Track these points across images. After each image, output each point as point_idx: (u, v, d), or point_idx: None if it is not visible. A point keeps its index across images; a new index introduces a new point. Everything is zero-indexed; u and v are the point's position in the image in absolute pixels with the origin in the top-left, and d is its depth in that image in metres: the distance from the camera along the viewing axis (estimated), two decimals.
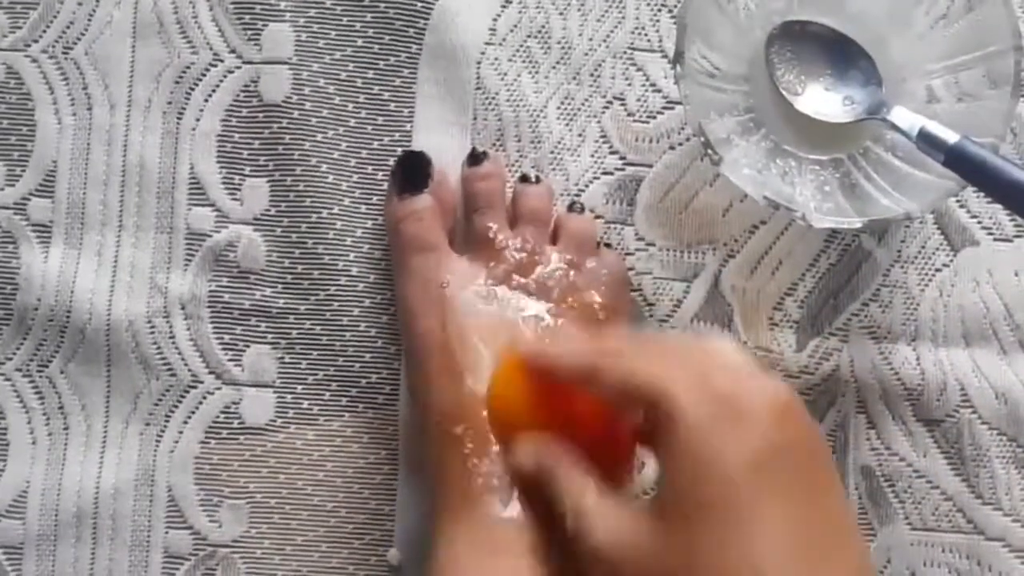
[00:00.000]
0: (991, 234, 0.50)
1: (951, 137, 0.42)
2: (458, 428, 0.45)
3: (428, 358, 0.47)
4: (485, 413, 0.41)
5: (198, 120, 0.52)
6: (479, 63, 0.51)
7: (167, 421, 0.51)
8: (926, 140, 0.43)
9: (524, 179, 0.50)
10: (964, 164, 0.42)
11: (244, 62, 0.52)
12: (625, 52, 0.51)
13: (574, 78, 0.51)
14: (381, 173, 0.51)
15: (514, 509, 0.43)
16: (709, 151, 0.45)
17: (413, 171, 0.49)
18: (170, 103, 0.52)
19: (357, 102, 0.52)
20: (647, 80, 0.51)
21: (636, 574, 0.33)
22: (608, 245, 0.50)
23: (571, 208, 0.50)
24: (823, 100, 0.47)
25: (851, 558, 0.33)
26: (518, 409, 0.37)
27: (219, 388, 0.51)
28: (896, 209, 0.44)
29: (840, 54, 0.48)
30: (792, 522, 0.32)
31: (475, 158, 0.50)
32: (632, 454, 0.38)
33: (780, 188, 0.46)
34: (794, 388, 0.45)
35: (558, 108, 0.51)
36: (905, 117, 0.44)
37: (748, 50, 0.48)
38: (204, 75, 0.52)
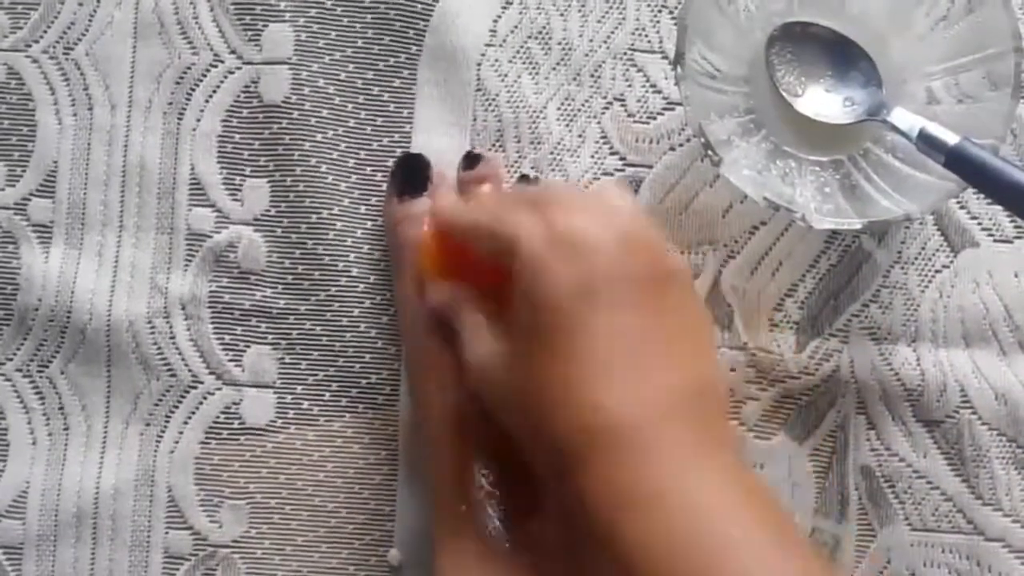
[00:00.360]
0: (991, 235, 0.50)
1: (951, 138, 0.42)
2: (456, 434, 0.45)
3: (426, 362, 0.47)
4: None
5: (198, 120, 0.52)
6: (479, 64, 0.51)
7: (167, 421, 0.51)
8: (926, 141, 0.43)
9: (523, 180, 0.50)
10: (964, 165, 0.42)
11: (244, 63, 0.52)
12: (625, 53, 0.51)
13: (574, 79, 0.52)
14: (381, 174, 0.51)
15: (510, 517, 0.44)
16: (709, 152, 0.45)
17: (412, 173, 0.50)
18: (171, 103, 0.52)
19: (357, 103, 0.52)
20: (647, 81, 0.51)
21: (494, 386, 0.40)
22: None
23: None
24: (823, 101, 0.47)
25: (688, 364, 0.38)
26: (437, 265, 0.46)
27: (219, 388, 0.51)
28: (896, 210, 0.44)
29: (840, 55, 0.48)
30: (620, 336, 0.36)
31: (470, 160, 0.50)
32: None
33: (780, 189, 0.46)
34: (792, 386, 0.46)
35: (558, 109, 0.51)
36: (905, 118, 0.45)
37: (748, 51, 0.48)
38: (204, 76, 0.52)
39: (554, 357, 0.37)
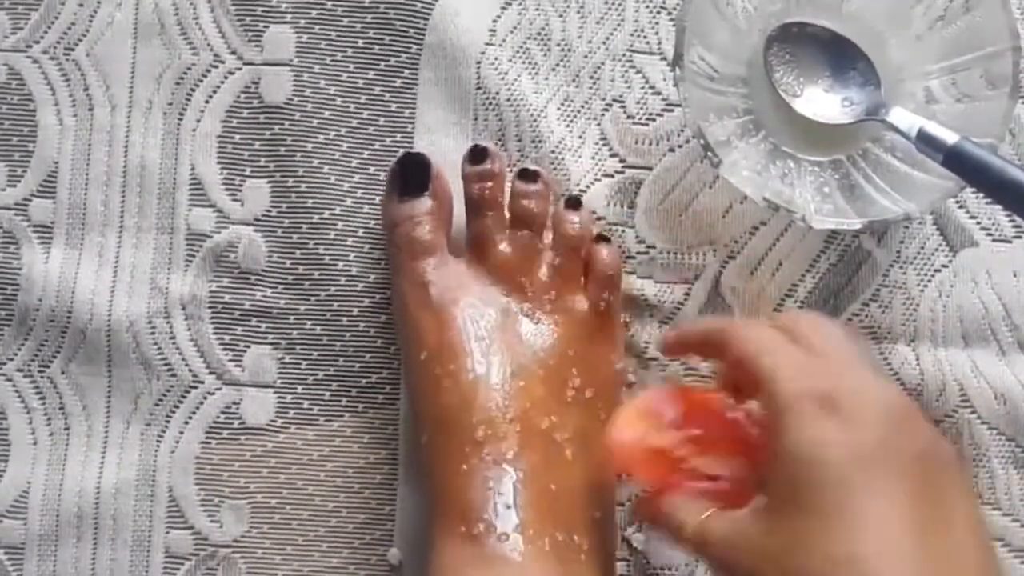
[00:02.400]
0: (990, 235, 0.50)
1: (950, 137, 0.43)
2: (452, 436, 0.45)
3: (425, 364, 0.47)
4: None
5: (199, 121, 0.53)
6: (479, 64, 0.52)
7: (168, 421, 0.52)
8: (925, 141, 0.44)
9: (524, 175, 0.49)
10: (963, 164, 0.42)
11: (245, 63, 0.53)
12: (624, 54, 0.52)
13: (574, 80, 0.52)
14: (382, 174, 0.52)
15: (507, 522, 0.43)
16: (709, 153, 0.45)
17: (413, 174, 0.49)
18: (171, 104, 0.53)
19: (358, 103, 0.52)
20: (646, 82, 0.52)
21: (748, 564, 0.36)
22: (606, 239, 0.50)
23: (568, 203, 0.50)
24: (822, 101, 0.48)
25: (964, 561, 0.35)
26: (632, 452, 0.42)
27: (220, 388, 0.52)
28: (895, 209, 0.44)
29: (839, 55, 0.48)
30: (900, 522, 0.34)
31: (476, 155, 0.49)
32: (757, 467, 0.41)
33: (780, 189, 0.47)
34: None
35: (558, 110, 0.52)
36: (904, 118, 0.45)
37: (747, 52, 0.49)
38: (205, 76, 0.53)
39: (824, 530, 0.34)
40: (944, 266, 0.50)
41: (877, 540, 0.33)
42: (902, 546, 0.33)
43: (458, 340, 0.47)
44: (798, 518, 0.35)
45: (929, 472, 0.35)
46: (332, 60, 0.52)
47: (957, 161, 0.42)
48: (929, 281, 0.50)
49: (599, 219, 0.51)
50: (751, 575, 0.36)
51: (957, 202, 0.50)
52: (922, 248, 0.50)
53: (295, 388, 0.52)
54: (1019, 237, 0.50)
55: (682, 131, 0.51)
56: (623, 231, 0.51)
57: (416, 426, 0.48)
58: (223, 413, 0.52)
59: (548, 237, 0.49)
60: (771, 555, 0.35)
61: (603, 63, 0.52)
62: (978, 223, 0.50)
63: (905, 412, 0.36)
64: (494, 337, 0.47)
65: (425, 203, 0.49)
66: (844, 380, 0.36)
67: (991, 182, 0.42)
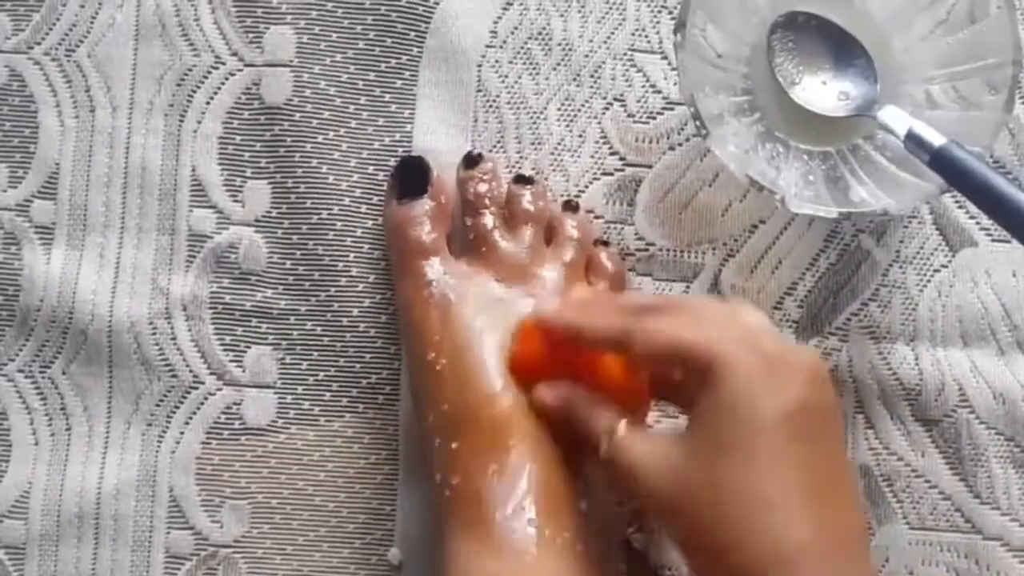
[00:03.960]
0: (989, 235, 0.52)
1: (938, 140, 0.44)
2: (458, 438, 0.46)
3: (429, 365, 0.48)
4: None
5: (199, 122, 0.54)
6: (480, 65, 0.54)
7: (169, 422, 0.53)
8: (914, 141, 0.45)
9: (519, 180, 0.52)
10: (948, 167, 0.44)
11: (246, 64, 0.54)
12: (625, 54, 0.54)
13: (574, 79, 0.54)
14: (382, 174, 0.53)
15: (522, 517, 0.44)
16: (697, 123, 0.47)
17: (413, 176, 0.52)
18: (172, 105, 0.55)
19: (358, 104, 0.54)
20: (647, 81, 0.54)
21: (664, 491, 0.41)
22: (606, 243, 0.52)
23: (566, 206, 0.52)
24: (818, 93, 0.50)
25: (850, 512, 0.41)
26: (538, 364, 0.47)
27: (220, 389, 0.53)
28: (873, 204, 0.46)
29: (841, 50, 0.50)
30: (805, 470, 0.39)
31: (471, 160, 0.52)
32: (649, 403, 0.48)
33: (765, 170, 0.48)
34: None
35: (558, 109, 0.54)
36: (895, 117, 0.47)
37: (752, 34, 0.51)
38: (206, 77, 0.55)
39: (752, 471, 0.39)
40: (943, 266, 0.52)
41: (788, 484, 0.38)
42: (796, 482, 0.38)
43: (466, 338, 0.48)
44: (723, 455, 0.39)
45: (828, 425, 0.41)
46: (332, 61, 0.54)
47: (943, 163, 0.44)
48: (928, 281, 0.52)
49: (598, 218, 0.53)
50: (660, 495, 0.41)
51: (957, 202, 0.52)
52: (921, 248, 0.52)
53: (295, 389, 0.53)
54: None
55: (682, 129, 0.53)
56: (622, 229, 0.53)
57: (422, 425, 0.49)
58: (224, 414, 0.53)
59: (546, 239, 0.52)
60: (686, 482, 0.40)
61: (604, 62, 0.54)
62: (977, 223, 0.52)
63: (822, 374, 0.41)
64: (501, 334, 0.48)
65: (425, 204, 0.51)
66: (776, 347, 0.41)
67: (974, 187, 0.43)
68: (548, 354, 0.47)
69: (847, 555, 0.39)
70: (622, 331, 0.43)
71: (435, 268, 0.50)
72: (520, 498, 0.45)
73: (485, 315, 0.49)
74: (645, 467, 0.42)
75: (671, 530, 0.42)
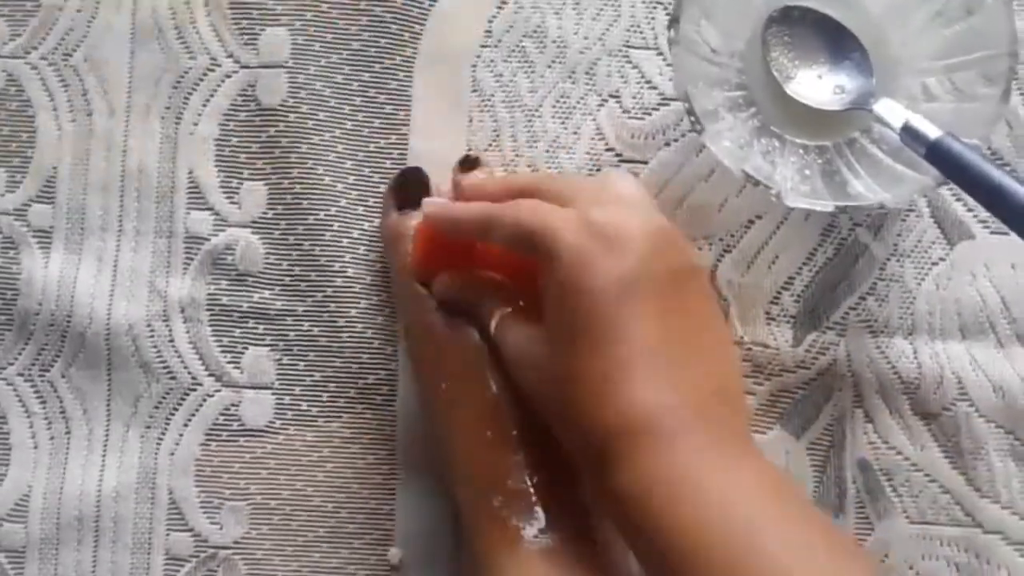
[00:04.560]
0: (987, 227, 0.52)
1: (933, 132, 0.45)
2: (481, 436, 0.47)
3: (439, 370, 0.49)
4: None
5: (196, 124, 0.55)
6: (474, 65, 0.54)
7: (167, 424, 0.54)
8: (909, 133, 0.46)
9: (464, 163, 0.53)
10: (944, 159, 0.44)
11: (241, 66, 0.55)
12: (620, 50, 0.54)
13: (569, 76, 0.54)
14: (378, 175, 0.54)
15: (541, 521, 0.45)
16: (692, 119, 0.47)
17: (412, 186, 0.52)
18: (168, 108, 0.55)
19: (354, 104, 0.55)
20: (642, 77, 0.54)
21: (534, 381, 0.43)
22: None
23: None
24: (814, 86, 0.50)
25: (712, 357, 0.41)
26: (435, 259, 0.50)
27: (218, 390, 0.54)
28: (870, 197, 0.46)
29: (836, 44, 0.50)
30: (653, 330, 0.40)
31: (466, 163, 0.52)
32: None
33: (760, 165, 0.49)
34: (789, 379, 0.49)
35: (553, 107, 0.54)
36: (891, 109, 0.47)
37: (747, 28, 0.51)
38: (202, 80, 0.55)
39: (593, 350, 0.40)
40: (942, 259, 0.52)
41: (634, 349, 0.39)
42: (656, 352, 0.39)
43: (473, 338, 0.48)
44: (571, 343, 0.40)
45: (680, 285, 0.41)
46: (327, 62, 0.55)
47: (938, 156, 0.44)
48: (927, 274, 0.52)
49: None
50: (528, 382, 0.44)
51: (954, 195, 0.52)
52: (919, 241, 0.52)
53: (293, 389, 0.54)
54: None
55: (678, 125, 0.54)
56: None
57: (436, 422, 0.50)
58: (222, 415, 0.54)
59: None
60: (550, 377, 0.42)
61: (599, 59, 0.54)
62: (975, 216, 0.52)
63: (663, 236, 0.41)
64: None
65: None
66: (612, 218, 0.41)
67: (969, 179, 0.43)
68: (441, 249, 0.49)
69: (712, 413, 0.39)
70: (484, 218, 0.45)
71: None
72: (542, 503, 0.45)
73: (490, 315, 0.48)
74: (518, 353, 0.44)
75: (549, 415, 0.44)
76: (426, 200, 0.50)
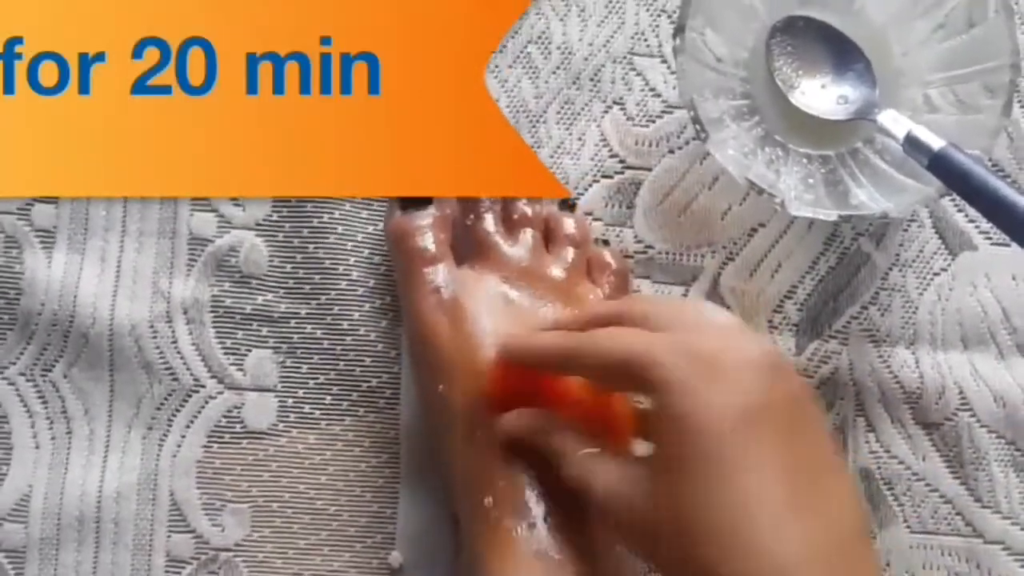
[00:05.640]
0: (989, 238, 0.53)
1: (936, 143, 0.46)
2: (484, 442, 0.47)
3: (441, 371, 0.49)
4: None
5: None
6: None
7: (169, 425, 0.54)
8: (912, 144, 0.46)
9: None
10: (947, 170, 0.45)
11: None
12: (625, 57, 0.55)
13: (574, 83, 0.55)
14: None
15: (542, 520, 0.45)
16: (697, 127, 0.48)
17: None
18: None
19: None
20: (647, 85, 0.55)
21: (632, 524, 0.39)
22: (606, 242, 0.54)
23: (563, 206, 0.53)
24: (817, 96, 0.51)
25: (842, 508, 0.38)
26: (511, 396, 0.45)
27: (221, 392, 0.54)
28: (872, 207, 0.47)
29: (839, 54, 0.51)
30: (776, 470, 0.36)
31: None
32: (627, 432, 0.45)
33: (764, 174, 0.49)
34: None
35: (558, 113, 0.55)
36: (894, 120, 0.48)
37: (751, 38, 0.52)
38: None
39: (710, 491, 0.36)
40: (943, 269, 0.53)
41: (752, 485, 0.36)
42: (775, 487, 0.36)
43: (474, 347, 0.48)
44: (681, 473, 0.37)
45: (798, 416, 0.38)
46: None
47: (941, 166, 0.45)
48: (928, 284, 0.53)
49: (597, 220, 0.54)
50: (628, 524, 0.39)
51: (956, 206, 0.53)
52: (921, 251, 0.53)
53: (296, 392, 0.54)
54: None
55: (682, 132, 0.54)
56: (622, 232, 0.54)
57: (440, 429, 0.49)
58: (225, 417, 0.54)
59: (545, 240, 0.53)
60: (651, 508, 0.38)
61: (603, 66, 0.55)
62: (977, 227, 0.53)
63: (776, 363, 0.39)
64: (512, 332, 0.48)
65: (429, 213, 0.52)
66: (716, 345, 0.38)
67: (972, 189, 0.44)
68: (517, 384, 0.46)
69: (847, 559, 0.37)
70: (567, 350, 0.42)
71: (442, 274, 0.50)
72: (543, 502, 0.45)
73: (495, 317, 0.49)
74: (608, 494, 0.40)
75: (647, 557, 0.41)
76: (508, 337, 0.47)
